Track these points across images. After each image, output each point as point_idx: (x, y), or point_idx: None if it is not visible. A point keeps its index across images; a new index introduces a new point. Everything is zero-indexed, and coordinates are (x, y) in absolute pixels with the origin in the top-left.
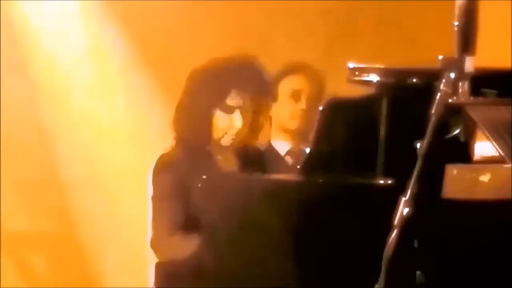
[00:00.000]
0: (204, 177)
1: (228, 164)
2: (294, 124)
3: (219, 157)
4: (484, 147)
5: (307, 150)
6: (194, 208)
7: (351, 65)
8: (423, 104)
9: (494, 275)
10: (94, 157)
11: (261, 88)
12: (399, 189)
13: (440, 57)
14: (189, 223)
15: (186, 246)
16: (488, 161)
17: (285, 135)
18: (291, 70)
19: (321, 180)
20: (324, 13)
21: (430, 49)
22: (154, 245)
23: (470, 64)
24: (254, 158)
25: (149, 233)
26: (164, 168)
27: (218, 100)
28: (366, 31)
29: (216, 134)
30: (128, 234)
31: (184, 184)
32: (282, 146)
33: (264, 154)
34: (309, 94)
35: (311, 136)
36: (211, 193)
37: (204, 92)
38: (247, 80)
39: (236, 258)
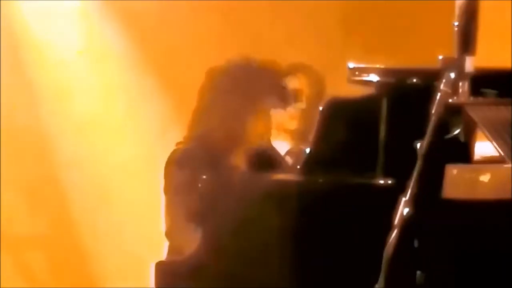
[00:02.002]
0: (204, 177)
1: (243, 164)
2: (294, 124)
3: (236, 158)
4: (484, 147)
5: (307, 150)
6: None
7: (351, 65)
8: (423, 104)
9: (494, 275)
10: (94, 157)
11: (284, 94)
12: (399, 189)
13: (440, 57)
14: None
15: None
16: (488, 161)
17: (285, 135)
18: (291, 70)
19: (321, 180)
20: (324, 13)
21: (430, 49)
22: (169, 235)
23: (470, 64)
24: (267, 159)
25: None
26: (180, 162)
27: (252, 104)
28: (367, 31)
29: (250, 137)
30: (128, 234)
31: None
32: (282, 146)
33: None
34: (309, 94)
35: (311, 136)
36: (211, 193)
37: (237, 94)
38: (275, 86)
39: (236, 258)
